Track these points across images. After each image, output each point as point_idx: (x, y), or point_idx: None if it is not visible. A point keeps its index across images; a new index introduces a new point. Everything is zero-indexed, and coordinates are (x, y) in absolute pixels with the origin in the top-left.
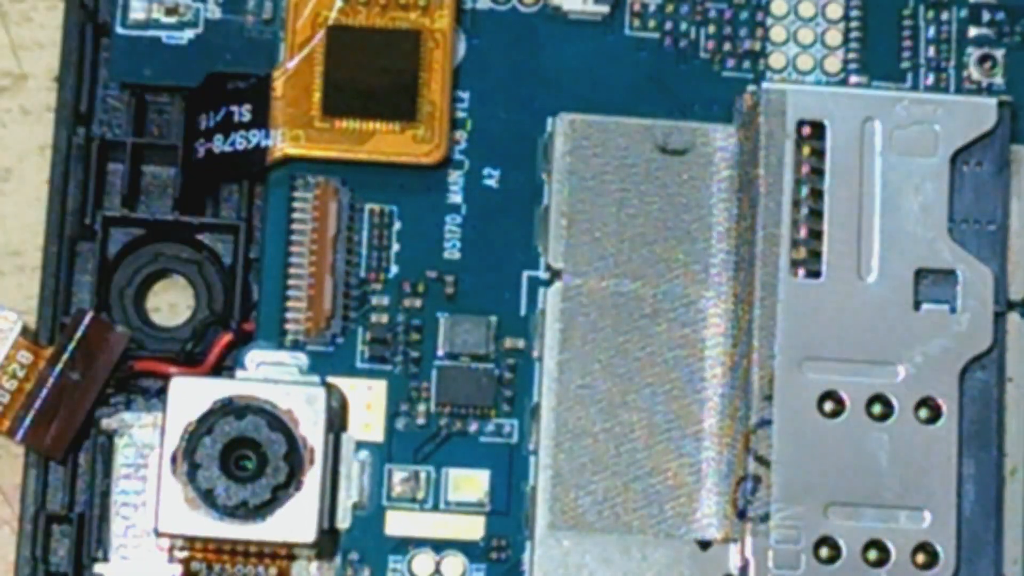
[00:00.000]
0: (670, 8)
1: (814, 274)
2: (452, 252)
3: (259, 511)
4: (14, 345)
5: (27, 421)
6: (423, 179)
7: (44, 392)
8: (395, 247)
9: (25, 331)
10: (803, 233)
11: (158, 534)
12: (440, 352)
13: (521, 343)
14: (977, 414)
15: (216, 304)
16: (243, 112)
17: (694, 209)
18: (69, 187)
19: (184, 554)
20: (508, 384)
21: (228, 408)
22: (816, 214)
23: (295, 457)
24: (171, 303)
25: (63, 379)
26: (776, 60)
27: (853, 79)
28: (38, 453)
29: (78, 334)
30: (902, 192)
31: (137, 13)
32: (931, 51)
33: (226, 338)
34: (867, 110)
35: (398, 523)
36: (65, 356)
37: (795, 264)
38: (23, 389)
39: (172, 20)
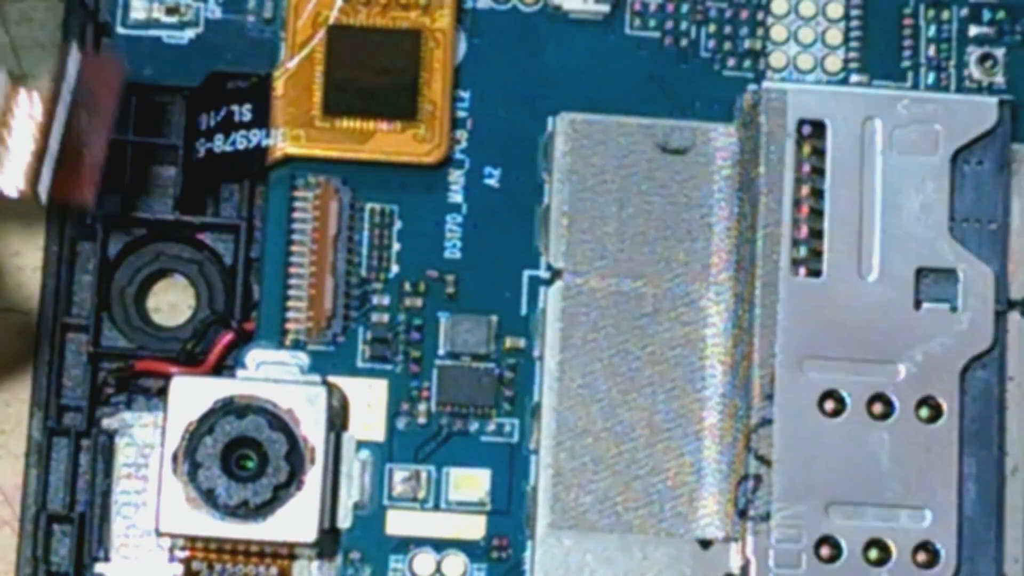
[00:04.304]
0: (671, 7)
1: (815, 273)
2: (453, 252)
3: (260, 511)
4: (6, 97)
5: (45, 177)
6: (424, 179)
7: (53, 143)
8: (396, 247)
9: (14, 78)
10: (803, 232)
11: (159, 534)
12: (441, 352)
13: (522, 343)
14: (978, 413)
15: (217, 304)
16: (244, 112)
17: (694, 209)
18: None
19: (185, 554)
20: (509, 384)
21: (229, 408)
22: (817, 213)
23: (296, 456)
24: (172, 303)
25: (72, 125)
26: (777, 59)
27: (854, 78)
28: (68, 206)
29: (69, 75)
30: (903, 191)
31: (138, 13)
32: (931, 50)
33: (227, 338)
34: (868, 109)
35: (399, 522)
36: (63, 101)
37: (795, 263)
38: (31, 149)
39: (173, 20)
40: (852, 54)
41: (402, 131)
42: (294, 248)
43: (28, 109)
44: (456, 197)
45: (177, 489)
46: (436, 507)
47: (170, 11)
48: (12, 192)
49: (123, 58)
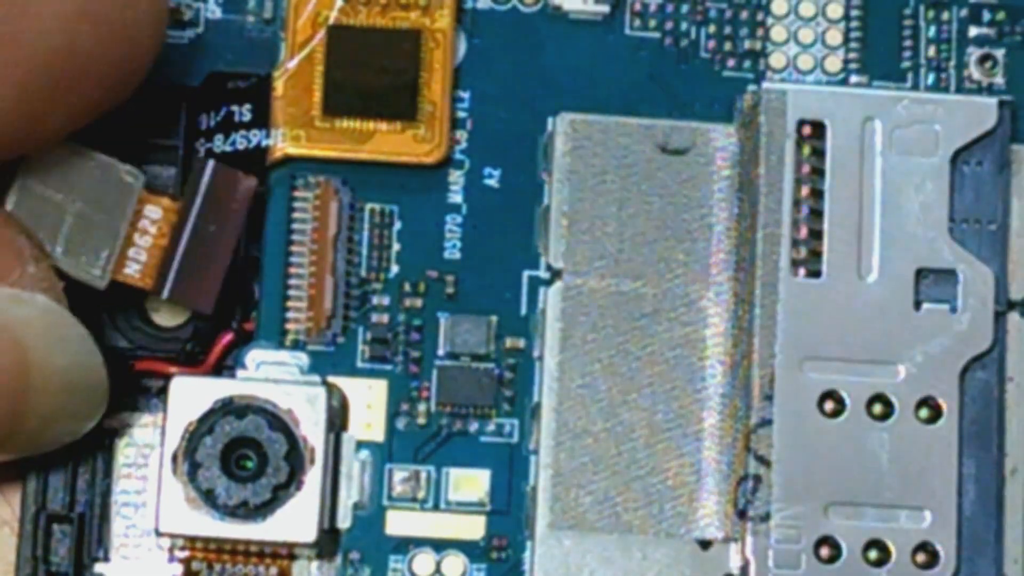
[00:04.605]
0: (671, 8)
1: (814, 274)
2: (452, 252)
3: (260, 511)
4: (140, 199)
5: (171, 277)
6: (423, 179)
7: (182, 246)
8: (395, 247)
9: (148, 186)
10: (803, 233)
11: (159, 534)
12: (440, 352)
13: (522, 343)
14: (977, 414)
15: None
16: (244, 112)
17: (694, 209)
18: None
19: (185, 554)
20: (508, 384)
21: (229, 408)
22: (816, 214)
23: (296, 457)
24: (172, 303)
25: (200, 231)
26: (776, 60)
27: (853, 79)
28: (187, 308)
29: (204, 183)
30: (902, 192)
31: None
32: (931, 51)
33: (227, 338)
34: (867, 110)
35: (399, 523)
36: (195, 207)
37: (795, 264)
38: (159, 245)
39: (172, 19)
40: (852, 54)
41: (402, 131)
42: (294, 248)
43: (159, 213)
44: (456, 197)
45: (177, 489)
46: (436, 507)
47: (170, 11)
48: (138, 283)
49: (254, 177)
